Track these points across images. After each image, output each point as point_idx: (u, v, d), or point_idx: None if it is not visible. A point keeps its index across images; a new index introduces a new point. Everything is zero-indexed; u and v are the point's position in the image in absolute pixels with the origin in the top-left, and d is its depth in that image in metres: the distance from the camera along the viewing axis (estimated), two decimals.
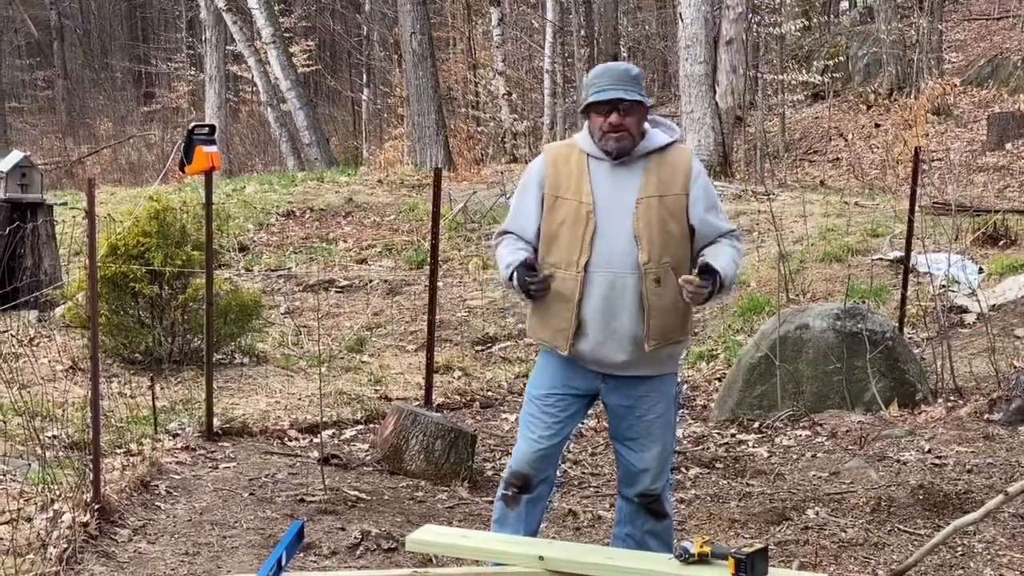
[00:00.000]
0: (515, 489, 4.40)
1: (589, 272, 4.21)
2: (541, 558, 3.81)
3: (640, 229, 4.20)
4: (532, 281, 4.21)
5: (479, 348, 9.80)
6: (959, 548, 5.15)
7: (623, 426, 4.40)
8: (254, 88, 27.29)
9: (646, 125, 4.30)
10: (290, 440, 7.00)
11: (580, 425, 7.56)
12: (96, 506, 5.03)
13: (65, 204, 11.76)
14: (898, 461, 6.35)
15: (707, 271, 4.17)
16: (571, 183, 4.29)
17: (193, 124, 6.88)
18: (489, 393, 8.35)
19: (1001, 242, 11.35)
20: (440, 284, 9.11)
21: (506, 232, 4.43)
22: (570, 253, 4.24)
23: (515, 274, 4.24)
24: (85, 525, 4.90)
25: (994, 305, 9.18)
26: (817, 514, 5.66)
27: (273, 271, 12.32)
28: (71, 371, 7.86)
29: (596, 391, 4.41)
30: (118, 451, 6.19)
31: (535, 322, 4.42)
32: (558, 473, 6.64)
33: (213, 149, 6.64)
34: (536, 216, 4.34)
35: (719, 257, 4.23)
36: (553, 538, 5.21)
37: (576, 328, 4.25)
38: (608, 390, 4.38)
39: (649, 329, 4.22)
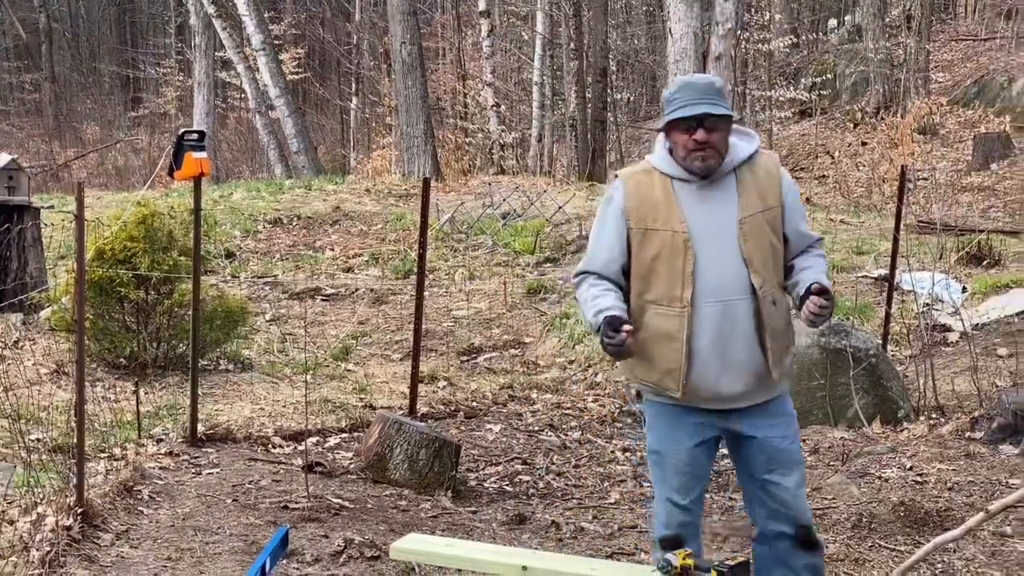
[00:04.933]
0: (670, 547, 3.98)
1: (697, 305, 3.88)
2: (525, 568, 3.82)
3: (750, 251, 3.89)
4: (611, 342, 3.82)
5: (464, 358, 9.82)
6: (939, 565, 5.18)
7: (761, 459, 4.03)
8: (242, 95, 27.34)
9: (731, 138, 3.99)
10: (274, 447, 7.01)
11: (561, 437, 7.61)
12: (79, 510, 5.04)
13: (52, 207, 11.74)
14: (880, 478, 6.37)
15: (824, 291, 3.84)
16: (659, 212, 3.94)
17: (183, 130, 6.90)
18: (474, 404, 8.36)
19: (985, 262, 11.42)
20: (426, 294, 9.13)
21: (586, 272, 4.06)
22: (671, 288, 3.90)
23: (602, 326, 3.87)
24: (68, 529, 4.90)
25: (977, 324, 9.22)
26: None
27: (259, 278, 12.32)
28: (55, 375, 7.85)
29: (721, 433, 4.09)
30: (102, 455, 6.20)
31: (635, 364, 4.03)
32: (541, 484, 6.69)
33: (202, 155, 6.66)
34: (620, 252, 3.99)
35: (821, 273, 3.96)
36: (536, 549, 5.23)
37: (688, 366, 3.91)
38: (734, 428, 4.05)
39: (772, 355, 3.93)
